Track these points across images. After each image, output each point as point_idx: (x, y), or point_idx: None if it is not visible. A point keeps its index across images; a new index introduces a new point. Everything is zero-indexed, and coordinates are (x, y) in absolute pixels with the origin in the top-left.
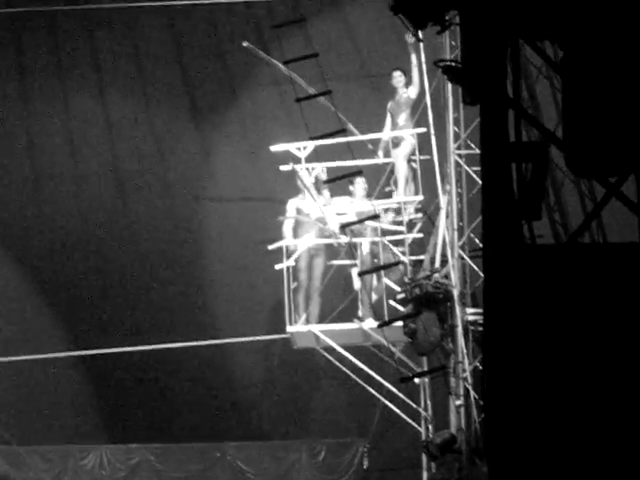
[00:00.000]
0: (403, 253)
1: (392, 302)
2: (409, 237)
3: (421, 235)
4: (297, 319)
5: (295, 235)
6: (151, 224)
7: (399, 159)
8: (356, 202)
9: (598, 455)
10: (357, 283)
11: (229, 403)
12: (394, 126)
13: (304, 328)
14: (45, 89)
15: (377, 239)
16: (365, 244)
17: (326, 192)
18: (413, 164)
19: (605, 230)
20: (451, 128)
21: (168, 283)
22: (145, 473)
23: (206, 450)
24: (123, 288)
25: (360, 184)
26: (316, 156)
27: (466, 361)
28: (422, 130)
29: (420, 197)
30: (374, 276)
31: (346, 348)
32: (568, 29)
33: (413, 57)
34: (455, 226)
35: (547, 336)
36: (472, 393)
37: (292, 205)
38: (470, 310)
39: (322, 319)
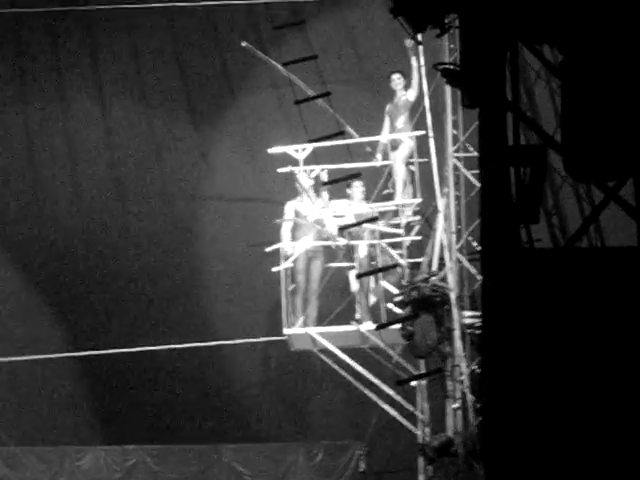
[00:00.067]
0: (401, 256)
1: (390, 305)
2: (407, 240)
3: (419, 238)
4: (294, 321)
5: (293, 237)
6: (150, 225)
7: (397, 162)
8: (354, 205)
9: (595, 459)
10: (354, 285)
11: (226, 405)
12: (392, 129)
13: (301, 330)
14: (44, 89)
15: (375, 242)
16: (363, 247)
17: (325, 194)
18: (411, 167)
19: (603, 234)
20: (450, 131)
21: (166, 285)
22: (142, 474)
23: (203, 452)
24: (121, 289)
25: (358, 187)
26: (315, 158)
27: (463, 364)
28: (421, 133)
29: (418, 200)
30: (372, 278)
31: (343, 350)
32: (567, 33)
33: (413, 60)
34: (453, 229)
35: (545, 340)
36: (469, 396)
37: (290, 207)
38: (467, 313)
39: (320, 321)
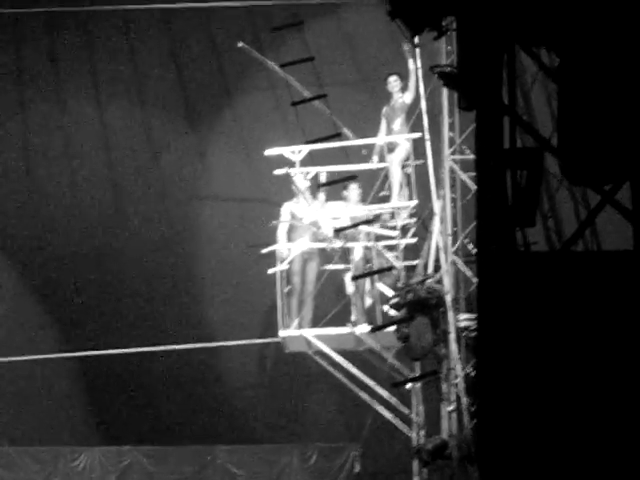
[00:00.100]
0: (397, 258)
1: (385, 307)
2: (403, 242)
3: (415, 240)
4: (290, 323)
5: (289, 239)
6: (146, 225)
7: (394, 164)
8: (350, 207)
9: (590, 461)
10: (350, 288)
11: (221, 406)
12: (389, 131)
13: (296, 332)
14: (41, 90)
15: (370, 244)
16: (358, 249)
17: (321, 196)
18: (407, 169)
19: (599, 238)
20: (446, 133)
21: (162, 286)
22: (136, 475)
23: (198, 453)
24: (117, 290)
25: (354, 189)
26: (311, 160)
27: (458, 367)
28: (417, 135)
29: (414, 202)
30: (367, 281)
31: (339, 353)
32: (564, 36)
33: (410, 62)
34: (449, 231)
35: (540, 343)
36: (464, 399)
37: (286, 209)
38: (463, 316)
39: (315, 323)
